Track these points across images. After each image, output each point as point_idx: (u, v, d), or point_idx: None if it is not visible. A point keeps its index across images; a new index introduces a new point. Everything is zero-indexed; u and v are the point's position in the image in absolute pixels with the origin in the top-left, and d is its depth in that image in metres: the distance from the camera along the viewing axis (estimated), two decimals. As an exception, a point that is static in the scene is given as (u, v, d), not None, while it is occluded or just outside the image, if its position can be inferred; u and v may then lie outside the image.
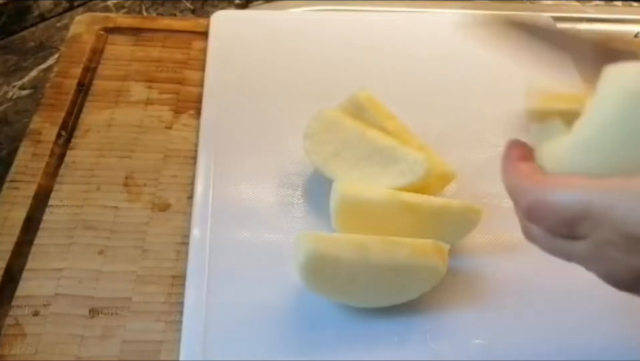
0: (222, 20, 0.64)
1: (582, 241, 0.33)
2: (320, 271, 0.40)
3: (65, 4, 0.73)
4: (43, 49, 0.68)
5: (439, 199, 0.46)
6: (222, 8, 0.74)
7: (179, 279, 0.45)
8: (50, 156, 0.53)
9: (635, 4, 0.79)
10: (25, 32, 0.70)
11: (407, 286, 0.42)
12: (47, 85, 0.59)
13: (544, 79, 0.41)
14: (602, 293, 0.35)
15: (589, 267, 0.33)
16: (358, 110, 0.50)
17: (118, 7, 0.74)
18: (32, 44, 0.69)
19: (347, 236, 0.42)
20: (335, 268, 0.40)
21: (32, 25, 0.71)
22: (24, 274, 0.45)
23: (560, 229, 0.33)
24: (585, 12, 0.76)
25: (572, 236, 0.33)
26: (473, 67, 0.61)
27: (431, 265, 0.42)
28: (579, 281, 0.36)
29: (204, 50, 0.62)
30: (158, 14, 0.74)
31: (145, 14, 0.74)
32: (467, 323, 0.43)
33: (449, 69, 0.55)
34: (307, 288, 0.41)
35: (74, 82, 0.59)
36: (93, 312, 0.43)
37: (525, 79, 0.38)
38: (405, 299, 0.43)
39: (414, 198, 0.45)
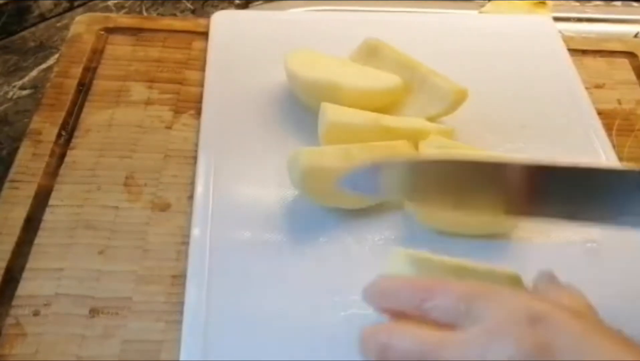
0: (222, 21, 0.64)
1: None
2: (315, 181, 0.46)
3: (65, 4, 0.73)
4: (43, 49, 0.68)
5: (419, 120, 0.52)
6: (222, 8, 0.74)
7: (180, 279, 0.45)
8: (51, 156, 0.53)
9: (635, 4, 0.79)
10: (25, 32, 0.70)
11: None
12: (48, 85, 0.59)
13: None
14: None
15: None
16: (369, 56, 0.56)
17: (118, 7, 0.74)
18: (33, 44, 0.69)
19: (333, 147, 0.48)
20: (327, 176, 0.46)
21: (33, 25, 0.71)
22: (25, 274, 0.45)
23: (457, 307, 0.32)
24: (585, 12, 0.76)
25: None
26: (473, 67, 0.61)
27: None
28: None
29: (204, 51, 0.62)
30: (158, 14, 0.74)
31: (145, 14, 0.74)
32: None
33: (449, 69, 0.55)
34: (305, 196, 0.48)
35: (74, 82, 0.59)
36: (93, 312, 0.43)
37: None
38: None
39: (394, 121, 0.51)
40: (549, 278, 0.37)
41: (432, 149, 0.48)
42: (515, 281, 0.40)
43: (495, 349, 0.30)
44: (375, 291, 0.36)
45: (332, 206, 0.48)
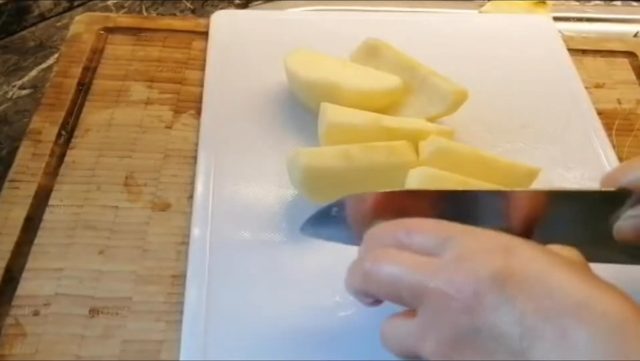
0: (222, 20, 0.64)
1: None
2: (315, 181, 0.47)
3: (65, 4, 0.73)
4: (43, 49, 0.68)
5: (419, 121, 0.52)
6: (222, 8, 0.74)
7: (179, 279, 0.45)
8: (51, 155, 0.53)
9: (635, 3, 0.79)
10: (25, 32, 0.70)
11: (389, 183, 0.46)
12: (47, 85, 0.59)
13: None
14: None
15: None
16: (369, 56, 0.56)
17: (118, 7, 0.74)
18: (32, 43, 0.69)
19: (333, 147, 0.48)
20: (326, 176, 0.47)
21: (32, 25, 0.71)
22: (24, 274, 0.45)
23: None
24: (584, 12, 0.76)
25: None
26: (473, 67, 0.61)
27: (406, 160, 0.48)
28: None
29: (204, 50, 0.62)
30: (158, 13, 0.74)
31: (145, 13, 0.74)
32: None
33: (449, 69, 0.55)
34: (304, 196, 0.47)
35: (74, 81, 0.59)
36: (93, 312, 0.43)
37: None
38: None
39: (394, 121, 0.51)
40: None
41: (432, 149, 0.48)
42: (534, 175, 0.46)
43: (464, 271, 0.31)
44: (370, 235, 0.37)
45: None
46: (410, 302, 0.33)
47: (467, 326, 0.30)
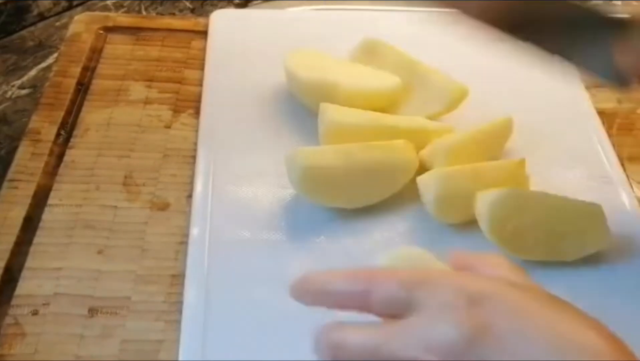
0: (221, 20, 0.64)
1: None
2: (314, 180, 0.47)
3: (64, 4, 0.73)
4: (42, 49, 0.68)
5: (419, 119, 0.52)
6: (222, 7, 0.74)
7: (179, 278, 0.45)
8: (50, 155, 0.53)
9: (635, 3, 0.79)
10: (24, 32, 0.70)
11: (389, 181, 0.49)
12: (47, 84, 0.59)
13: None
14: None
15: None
16: (369, 56, 0.56)
17: (117, 7, 0.74)
18: (32, 43, 0.69)
19: (332, 147, 0.49)
20: (325, 175, 0.47)
21: (32, 24, 0.71)
22: (24, 274, 0.45)
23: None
24: (584, 11, 0.76)
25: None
26: (472, 66, 0.61)
27: (405, 159, 0.49)
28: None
29: (203, 50, 0.61)
30: (157, 13, 0.74)
31: (144, 13, 0.73)
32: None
33: (449, 68, 0.55)
34: (304, 197, 0.48)
35: (73, 81, 0.59)
36: (92, 311, 0.43)
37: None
38: (390, 193, 0.49)
39: (393, 120, 0.52)
40: (480, 257, 0.35)
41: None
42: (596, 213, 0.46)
43: (435, 335, 0.29)
44: (307, 288, 0.35)
45: (331, 205, 0.48)
46: None
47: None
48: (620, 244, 0.48)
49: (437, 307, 0.30)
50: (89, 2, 0.74)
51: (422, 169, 0.50)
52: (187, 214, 0.48)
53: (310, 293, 0.35)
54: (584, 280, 0.45)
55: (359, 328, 0.33)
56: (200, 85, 0.58)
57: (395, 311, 0.31)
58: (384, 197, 0.49)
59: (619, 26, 0.41)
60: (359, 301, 0.33)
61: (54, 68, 0.60)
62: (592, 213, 0.46)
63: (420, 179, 0.48)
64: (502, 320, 0.29)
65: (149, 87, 0.59)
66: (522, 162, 0.49)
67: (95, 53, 0.62)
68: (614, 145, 0.56)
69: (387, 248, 0.46)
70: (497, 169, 0.49)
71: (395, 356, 0.30)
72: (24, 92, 0.63)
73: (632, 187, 0.52)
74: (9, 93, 0.63)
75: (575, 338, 0.28)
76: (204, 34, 0.63)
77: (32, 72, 0.65)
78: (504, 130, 0.53)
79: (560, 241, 0.46)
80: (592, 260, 0.46)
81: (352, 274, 0.33)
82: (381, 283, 0.32)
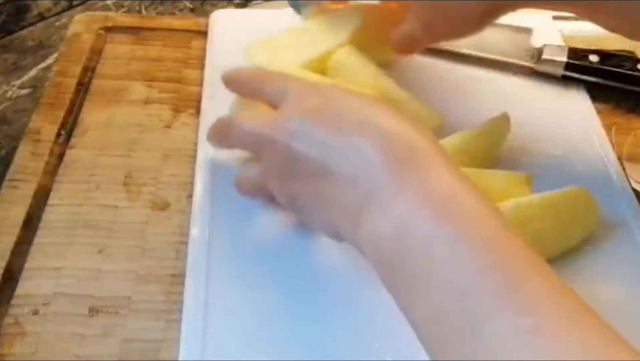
0: (221, 20, 0.64)
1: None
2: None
3: (64, 3, 0.73)
4: (42, 48, 0.68)
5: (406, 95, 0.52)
6: (222, 7, 0.74)
7: (179, 278, 0.45)
8: (50, 155, 0.53)
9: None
10: (24, 31, 0.70)
11: None
12: (47, 84, 0.59)
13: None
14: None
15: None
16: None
17: (117, 6, 0.74)
18: (32, 43, 0.69)
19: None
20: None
21: (31, 24, 0.71)
22: (24, 273, 0.45)
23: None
24: (584, 11, 0.76)
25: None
26: (474, 65, 0.61)
27: None
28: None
29: (203, 50, 0.62)
30: (157, 13, 0.74)
31: (144, 13, 0.74)
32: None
33: (449, 66, 0.55)
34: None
35: (74, 81, 0.59)
36: (93, 311, 0.43)
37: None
38: None
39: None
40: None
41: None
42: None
43: (284, 117, 0.41)
44: (230, 78, 0.49)
45: None
46: (256, 151, 0.44)
47: (288, 158, 0.39)
48: (620, 243, 0.48)
49: (295, 97, 0.41)
50: (89, 2, 0.74)
51: None
52: (187, 214, 0.48)
53: (231, 83, 0.50)
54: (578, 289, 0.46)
55: (250, 117, 0.45)
56: (201, 85, 0.58)
57: (276, 102, 0.43)
58: None
59: None
60: (256, 89, 0.47)
61: (54, 68, 0.60)
62: (578, 196, 0.47)
63: None
64: (333, 105, 0.39)
65: (149, 87, 0.59)
66: (529, 179, 0.48)
67: (96, 53, 0.62)
68: (613, 144, 0.56)
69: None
70: (501, 180, 0.48)
71: (262, 135, 0.42)
72: (24, 92, 0.63)
73: (631, 187, 0.52)
74: (9, 93, 0.63)
75: (378, 122, 0.37)
76: (204, 34, 0.63)
77: (32, 72, 0.65)
78: (501, 128, 0.52)
79: (561, 235, 0.46)
80: (590, 260, 0.47)
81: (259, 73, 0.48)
82: (268, 81, 0.46)
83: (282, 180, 0.41)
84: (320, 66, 0.53)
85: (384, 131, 0.36)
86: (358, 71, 0.52)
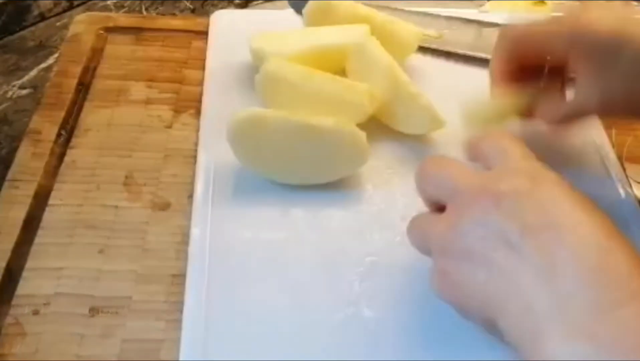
0: (221, 20, 0.64)
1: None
2: (250, 137, 0.47)
3: (65, 4, 0.73)
4: (43, 49, 0.68)
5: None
6: (222, 7, 0.74)
7: (179, 278, 0.45)
8: (50, 155, 0.53)
9: (634, 3, 0.79)
10: (25, 32, 0.70)
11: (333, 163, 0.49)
12: (47, 84, 0.59)
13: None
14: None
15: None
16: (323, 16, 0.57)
17: (118, 7, 0.74)
18: (32, 43, 0.69)
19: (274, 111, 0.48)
20: (263, 132, 0.47)
21: (32, 24, 0.71)
22: (24, 274, 0.45)
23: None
24: (584, 11, 0.76)
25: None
26: (472, 65, 0.61)
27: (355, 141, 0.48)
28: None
29: (203, 50, 0.62)
30: (158, 13, 0.74)
31: (145, 13, 0.74)
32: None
33: (449, 65, 0.55)
34: (240, 159, 0.49)
35: (74, 81, 0.59)
36: (93, 311, 0.43)
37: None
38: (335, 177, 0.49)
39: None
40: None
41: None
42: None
43: (494, 184, 0.36)
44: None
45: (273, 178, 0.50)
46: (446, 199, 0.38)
47: (478, 220, 0.35)
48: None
49: (508, 170, 0.38)
50: (90, 2, 0.74)
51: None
52: (187, 214, 0.48)
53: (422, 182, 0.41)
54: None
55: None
56: (201, 85, 0.58)
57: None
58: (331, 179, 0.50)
59: None
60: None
61: (55, 68, 0.61)
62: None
63: None
64: (545, 197, 0.35)
65: (150, 87, 0.59)
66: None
67: (96, 53, 0.62)
68: (613, 144, 0.56)
69: (386, 247, 0.46)
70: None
71: (464, 186, 0.37)
72: (24, 92, 0.64)
73: (631, 187, 0.52)
74: (10, 93, 0.63)
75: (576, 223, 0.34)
76: (204, 34, 0.63)
77: (33, 73, 0.65)
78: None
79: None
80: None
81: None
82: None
83: (454, 233, 0.36)
84: (324, 55, 0.54)
85: (600, 261, 0.32)
86: (376, 60, 0.53)
